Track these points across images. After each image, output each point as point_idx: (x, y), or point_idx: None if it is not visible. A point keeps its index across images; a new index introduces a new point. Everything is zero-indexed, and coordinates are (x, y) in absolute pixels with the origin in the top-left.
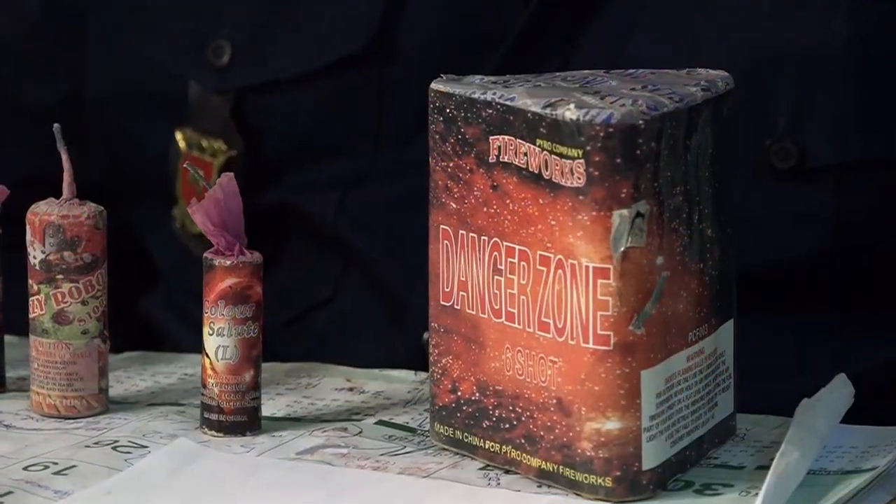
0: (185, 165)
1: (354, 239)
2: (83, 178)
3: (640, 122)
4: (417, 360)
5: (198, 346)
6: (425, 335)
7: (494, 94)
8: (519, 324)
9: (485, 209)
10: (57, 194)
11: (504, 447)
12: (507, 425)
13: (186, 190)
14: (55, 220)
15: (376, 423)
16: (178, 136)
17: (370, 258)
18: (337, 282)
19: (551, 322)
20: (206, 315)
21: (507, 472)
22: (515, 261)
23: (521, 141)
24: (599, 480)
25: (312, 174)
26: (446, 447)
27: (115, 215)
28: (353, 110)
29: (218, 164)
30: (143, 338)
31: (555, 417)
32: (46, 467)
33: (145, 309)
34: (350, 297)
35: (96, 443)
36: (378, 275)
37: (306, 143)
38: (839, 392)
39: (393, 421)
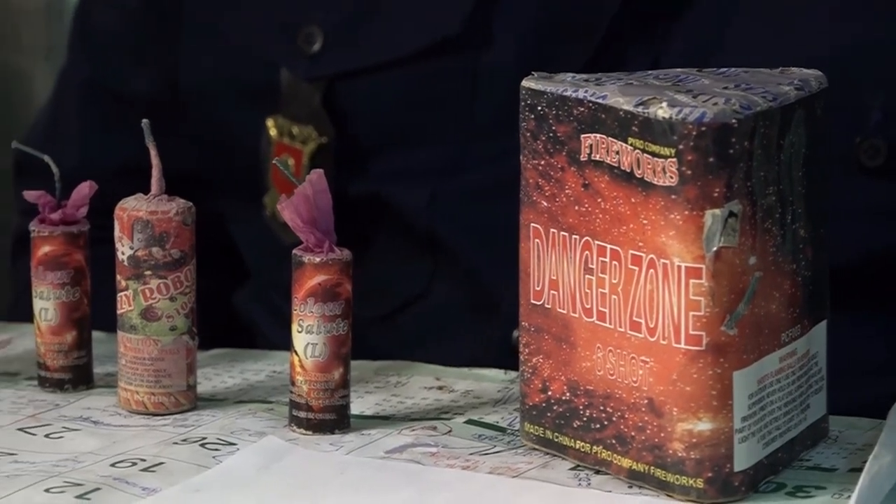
0: (274, 162)
1: (446, 232)
2: (175, 169)
3: (734, 120)
4: (508, 357)
5: (287, 340)
6: (515, 333)
7: (586, 91)
8: (610, 323)
9: (576, 208)
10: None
11: (595, 447)
12: (598, 425)
13: (278, 178)
14: (143, 216)
15: (466, 422)
16: (270, 123)
17: (462, 252)
18: (429, 277)
19: (643, 322)
20: (294, 312)
21: (597, 472)
22: (607, 260)
23: (612, 139)
24: (691, 482)
25: (403, 163)
26: (536, 447)
27: (205, 208)
28: (446, 97)
29: (308, 152)
30: (232, 333)
31: (646, 418)
32: (134, 464)
33: (237, 303)
34: (442, 293)
35: (184, 440)
36: (470, 269)
37: (397, 131)
38: None
39: (483, 420)
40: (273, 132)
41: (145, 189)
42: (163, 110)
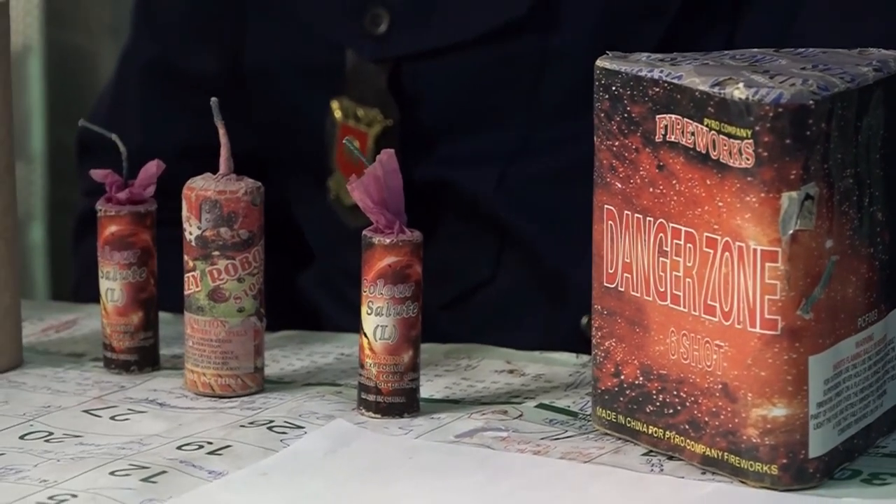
0: (344, 142)
1: (514, 216)
2: (240, 151)
3: (811, 102)
4: (578, 342)
5: (352, 326)
6: (584, 319)
7: (661, 71)
8: (684, 307)
9: (650, 189)
10: (218, 164)
11: (668, 433)
12: (671, 410)
13: (343, 160)
14: (212, 196)
15: (537, 407)
16: (335, 105)
17: (530, 236)
18: (496, 261)
19: (718, 306)
20: (364, 294)
21: (670, 458)
22: (682, 242)
23: (688, 120)
24: (765, 468)
25: (470, 146)
26: (608, 432)
27: (268, 191)
28: (514, 79)
29: (374, 134)
30: (297, 316)
31: (720, 403)
32: (200, 447)
33: (302, 286)
34: (510, 277)
35: (251, 423)
36: (539, 253)
37: (464, 114)
38: None
39: (554, 404)
40: (338, 114)
41: (207, 170)
42: (227, 91)
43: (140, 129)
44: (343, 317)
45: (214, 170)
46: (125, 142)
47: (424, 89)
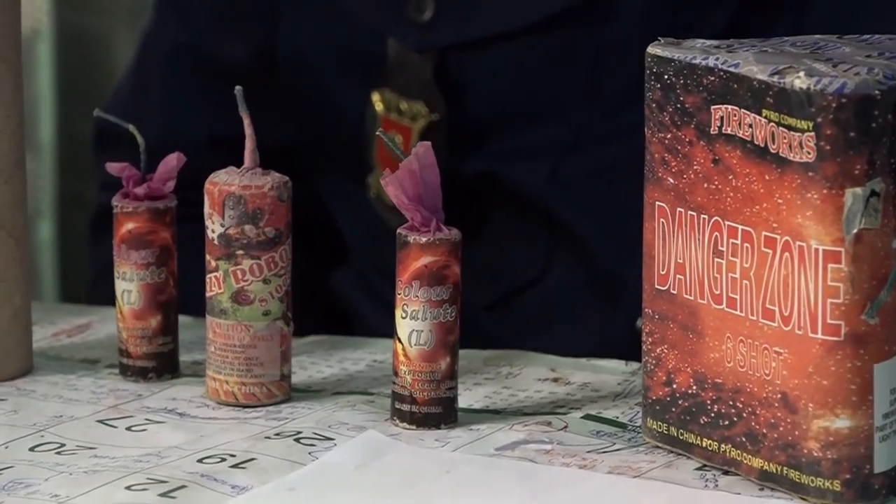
0: (378, 133)
1: (566, 212)
2: (272, 143)
3: (876, 92)
4: (631, 346)
5: (387, 328)
6: (639, 322)
7: (717, 59)
8: (741, 311)
9: (705, 185)
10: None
11: (723, 446)
12: (727, 422)
13: (384, 156)
14: (236, 191)
15: (583, 418)
16: (375, 97)
17: (583, 233)
18: (546, 259)
19: (777, 310)
20: (398, 297)
21: (725, 472)
22: (738, 242)
23: (745, 111)
24: (827, 483)
25: (520, 140)
26: (659, 444)
27: (303, 184)
28: (567, 70)
29: (418, 129)
30: (331, 318)
31: (779, 414)
32: (223, 460)
33: (334, 287)
34: (560, 276)
35: (277, 434)
36: (591, 252)
37: (514, 107)
38: None
39: (601, 415)
40: (379, 107)
41: (234, 163)
42: (257, 79)
43: (162, 119)
44: (378, 318)
45: (241, 163)
46: (146, 132)
47: (472, 81)
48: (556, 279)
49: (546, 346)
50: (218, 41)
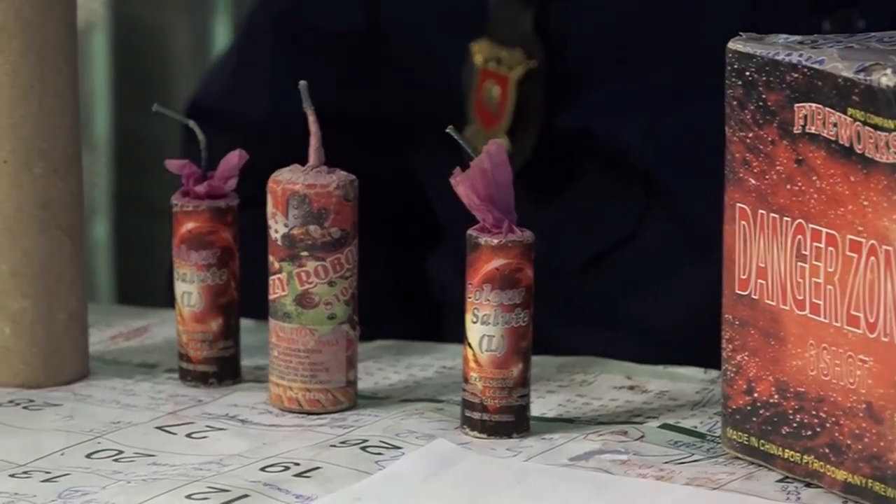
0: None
1: (661, 169)
2: (372, 116)
3: None
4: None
5: None
6: None
7: (801, 56)
8: (825, 317)
9: (787, 186)
10: (355, 132)
11: (805, 457)
12: (809, 432)
13: (481, 109)
14: (300, 190)
15: (660, 427)
16: (475, 48)
17: (678, 191)
18: (639, 217)
19: (862, 316)
20: (469, 300)
21: (807, 485)
22: (822, 245)
23: (830, 110)
24: None
25: (618, 93)
26: (739, 455)
27: (397, 161)
28: (669, 23)
29: (515, 77)
30: (425, 306)
31: (864, 424)
32: (286, 468)
33: (429, 268)
34: (653, 235)
35: (343, 442)
36: (685, 210)
37: (614, 58)
38: None
39: (679, 425)
40: (478, 58)
41: (345, 141)
42: (362, 48)
43: (266, 98)
44: None
45: (354, 141)
46: (251, 113)
47: (571, 30)
48: (648, 238)
49: (635, 307)
50: (324, 10)
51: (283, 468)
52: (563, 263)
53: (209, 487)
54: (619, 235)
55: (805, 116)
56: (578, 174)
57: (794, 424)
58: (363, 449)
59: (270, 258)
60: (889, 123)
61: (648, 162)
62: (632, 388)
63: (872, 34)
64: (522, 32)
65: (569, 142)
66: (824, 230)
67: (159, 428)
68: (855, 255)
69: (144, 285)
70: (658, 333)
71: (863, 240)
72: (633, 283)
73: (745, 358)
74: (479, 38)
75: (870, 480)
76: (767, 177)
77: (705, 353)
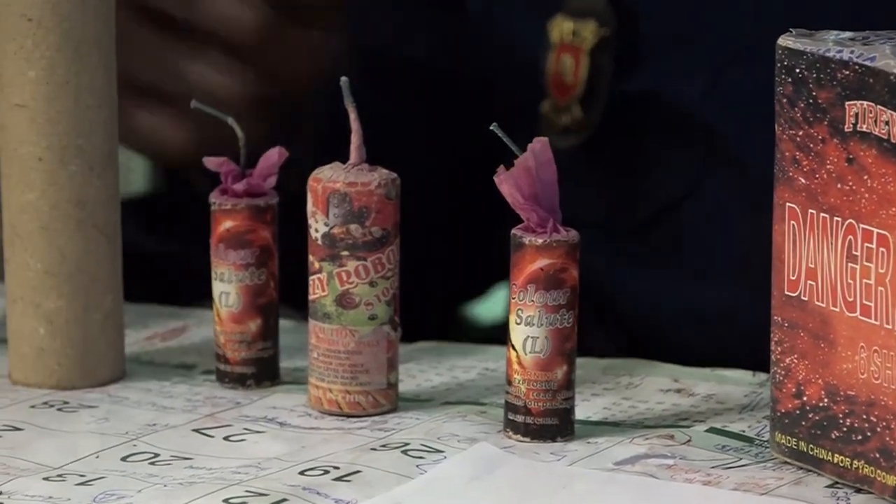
0: (491, 128)
1: (722, 128)
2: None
3: None
4: None
5: None
6: None
7: (852, 52)
8: (876, 319)
9: (838, 186)
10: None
11: (855, 462)
12: (860, 437)
13: (556, 81)
14: (340, 189)
15: (707, 431)
16: (552, 25)
17: (738, 149)
18: (697, 175)
19: None
20: (512, 301)
21: (857, 490)
22: (873, 246)
23: (882, 108)
24: None
25: (682, 53)
26: (788, 460)
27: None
28: None
29: (588, 48)
30: (491, 278)
31: None
32: (326, 472)
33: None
34: (711, 194)
35: (384, 445)
36: (746, 168)
37: (682, 23)
38: None
39: (727, 428)
40: (555, 33)
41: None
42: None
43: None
44: None
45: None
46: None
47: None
48: (706, 196)
49: (692, 264)
50: None
51: (322, 472)
52: (618, 226)
53: (247, 491)
54: (676, 194)
55: (856, 114)
56: (636, 136)
57: (844, 429)
58: (404, 452)
59: (310, 258)
60: None
61: (708, 118)
62: (679, 391)
63: None
64: (596, 4)
65: (633, 105)
66: (876, 230)
67: (196, 430)
68: None
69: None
70: (717, 285)
71: None
72: (686, 242)
73: (795, 361)
74: (554, 14)
75: None
76: (818, 176)
77: (757, 307)
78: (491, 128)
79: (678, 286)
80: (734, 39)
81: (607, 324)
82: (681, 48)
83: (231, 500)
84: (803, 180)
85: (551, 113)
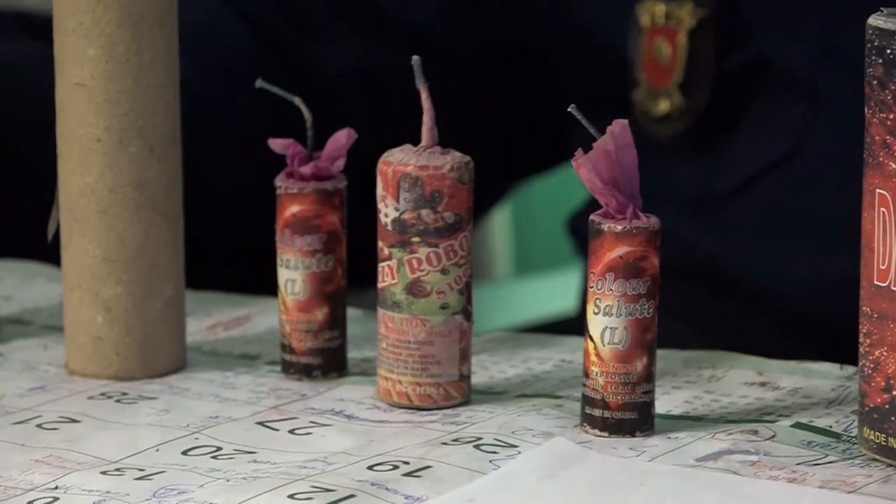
0: (569, 109)
1: (830, 92)
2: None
3: None
4: None
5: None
6: None
7: None
8: None
9: None
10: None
11: None
12: None
13: (651, 66)
14: (412, 172)
15: (793, 426)
16: (641, 9)
17: (843, 107)
18: (799, 136)
19: None
20: (590, 290)
21: None
22: None
23: None
24: None
25: (788, 25)
26: (877, 457)
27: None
28: None
29: (686, 29)
30: None
31: None
32: (395, 467)
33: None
34: (815, 152)
35: (455, 440)
36: (852, 126)
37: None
38: None
39: (813, 424)
40: (645, 18)
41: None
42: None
43: None
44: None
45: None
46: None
47: None
48: (809, 155)
49: (789, 227)
50: None
51: (391, 467)
52: (715, 191)
53: (313, 487)
54: (778, 153)
55: None
56: (741, 100)
57: None
58: (477, 447)
59: (380, 244)
60: None
61: (816, 80)
62: (763, 384)
63: None
64: None
65: (739, 81)
66: None
67: (260, 423)
68: None
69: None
70: (822, 241)
71: None
72: (785, 203)
73: (884, 353)
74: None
75: None
76: None
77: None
78: (569, 109)
79: (782, 251)
80: (843, 5)
81: (719, 295)
82: (787, 20)
83: (296, 496)
84: (894, 165)
85: (646, 100)
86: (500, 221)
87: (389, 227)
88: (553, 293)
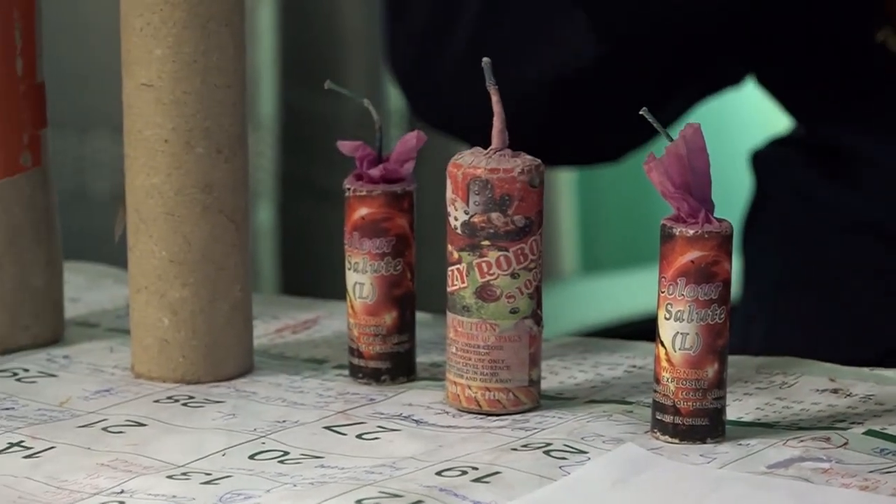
0: (641, 112)
1: None
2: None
3: None
4: None
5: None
6: None
7: None
8: None
9: None
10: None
11: None
12: None
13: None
14: (482, 175)
15: (865, 433)
16: (881, 36)
17: None
18: None
19: None
20: (662, 295)
21: None
22: None
23: None
24: None
25: None
26: None
27: None
28: None
29: None
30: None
31: None
32: (464, 473)
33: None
34: None
35: (525, 445)
36: None
37: None
38: None
39: (886, 431)
40: (892, 41)
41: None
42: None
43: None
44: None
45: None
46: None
47: None
48: None
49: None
50: None
51: (460, 472)
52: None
53: (381, 492)
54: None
55: None
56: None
57: None
58: (546, 453)
59: (449, 247)
60: None
61: None
62: (835, 391)
63: None
64: None
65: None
66: None
67: (328, 428)
68: None
69: (312, 274)
70: None
71: None
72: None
73: None
74: (881, 27)
75: None
76: None
77: None
78: (640, 112)
79: None
80: None
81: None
82: None
83: (364, 501)
84: None
85: (890, 41)
86: (568, 218)
87: (459, 231)
88: (622, 292)
